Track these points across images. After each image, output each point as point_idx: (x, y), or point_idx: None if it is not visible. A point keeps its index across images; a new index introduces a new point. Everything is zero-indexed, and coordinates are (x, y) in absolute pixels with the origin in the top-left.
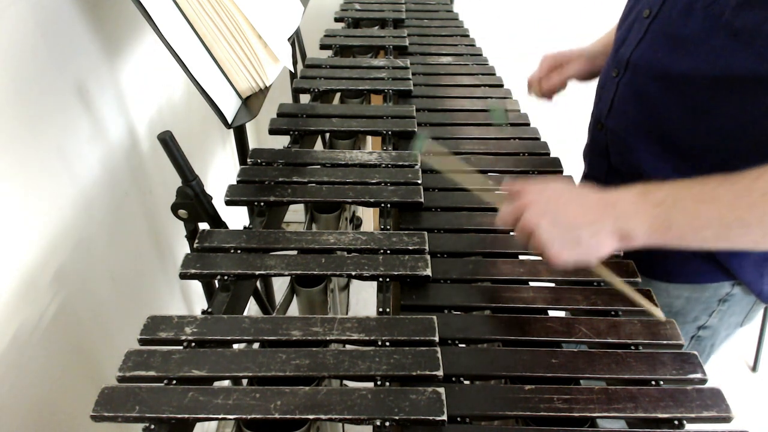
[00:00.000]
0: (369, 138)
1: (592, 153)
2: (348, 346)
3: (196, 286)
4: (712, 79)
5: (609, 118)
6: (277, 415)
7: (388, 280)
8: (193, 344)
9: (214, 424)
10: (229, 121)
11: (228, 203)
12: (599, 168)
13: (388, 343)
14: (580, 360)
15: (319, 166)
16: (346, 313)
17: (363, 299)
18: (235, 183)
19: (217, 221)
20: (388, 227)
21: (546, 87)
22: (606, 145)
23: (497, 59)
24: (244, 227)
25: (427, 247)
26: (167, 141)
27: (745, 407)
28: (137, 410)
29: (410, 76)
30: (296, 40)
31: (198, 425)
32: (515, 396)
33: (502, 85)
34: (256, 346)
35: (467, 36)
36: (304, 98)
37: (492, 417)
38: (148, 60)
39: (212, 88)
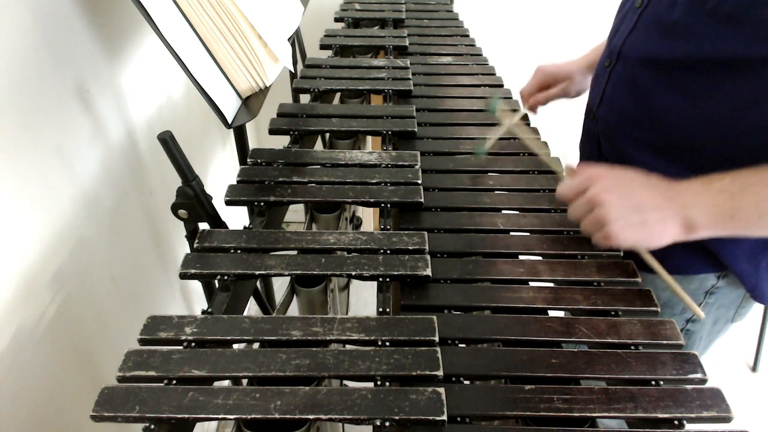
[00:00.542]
0: (369, 138)
1: (584, 142)
2: (348, 346)
3: (196, 286)
4: (702, 65)
5: (600, 107)
6: (277, 415)
7: (388, 280)
8: (193, 344)
9: (214, 424)
10: (229, 121)
11: (228, 203)
12: (590, 157)
13: (388, 343)
14: (580, 360)
15: (319, 166)
16: (346, 313)
17: (363, 299)
18: (235, 183)
19: (217, 221)
20: (388, 227)
21: (531, 102)
22: (597, 135)
23: (497, 59)
24: (244, 227)
25: (427, 247)
26: (167, 141)
27: (745, 407)
28: (137, 410)
29: (410, 76)
30: (296, 40)
31: (198, 425)
32: (515, 396)
33: (502, 85)
34: (256, 346)
35: (467, 36)
36: (304, 98)
37: (492, 417)
38: (148, 60)
39: (212, 88)
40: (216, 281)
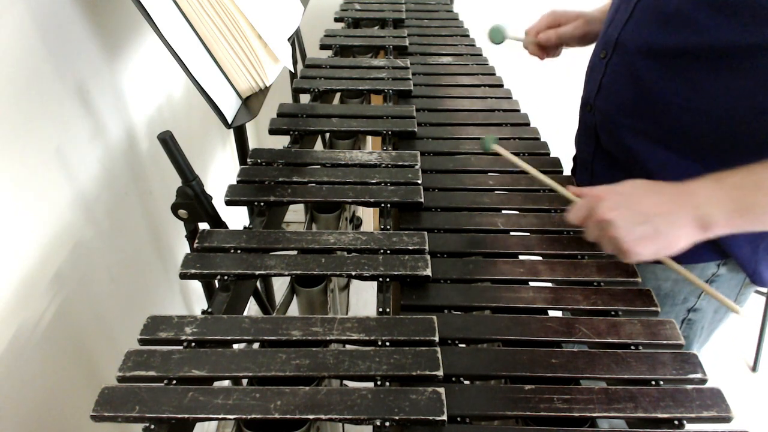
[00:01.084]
0: (369, 138)
1: (581, 135)
2: (348, 346)
3: (196, 286)
4: (699, 53)
5: (597, 98)
6: (277, 415)
7: (388, 280)
8: (193, 344)
9: (214, 424)
10: (229, 121)
11: (228, 203)
12: (587, 149)
13: (388, 343)
14: (580, 360)
15: (319, 166)
16: (346, 313)
17: (363, 299)
18: (235, 183)
19: (217, 221)
20: (388, 227)
21: (541, 39)
22: (594, 126)
23: (497, 59)
24: (244, 227)
25: (427, 247)
26: (167, 141)
27: (745, 407)
28: (137, 410)
29: (410, 76)
30: (296, 40)
31: (198, 425)
32: (515, 396)
33: (501, 85)
34: (256, 346)
35: (467, 36)
36: (304, 98)
37: (492, 417)
38: (148, 60)
39: (212, 88)
40: (216, 281)
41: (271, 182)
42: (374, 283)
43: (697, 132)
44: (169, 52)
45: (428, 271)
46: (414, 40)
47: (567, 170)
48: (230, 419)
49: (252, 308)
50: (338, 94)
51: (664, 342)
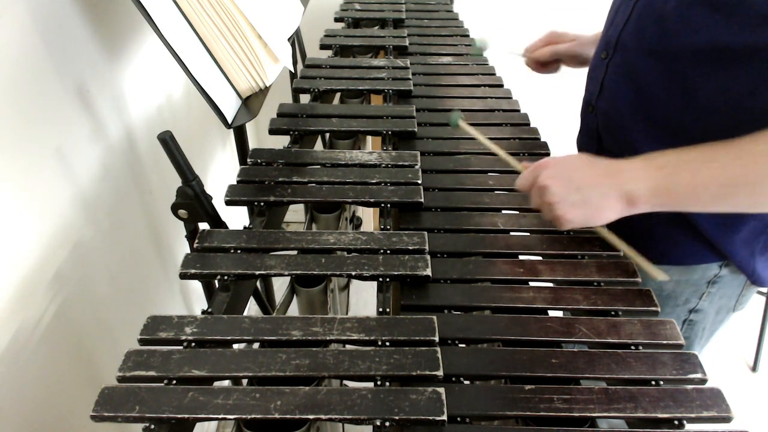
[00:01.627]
0: (369, 138)
1: (582, 136)
2: (348, 346)
3: (196, 286)
4: (698, 54)
5: (599, 99)
6: (277, 415)
7: (388, 280)
8: (193, 344)
9: (214, 424)
10: (229, 121)
11: (228, 203)
12: (589, 150)
13: (388, 343)
14: (580, 360)
15: (319, 166)
16: (346, 313)
17: (363, 299)
18: (235, 183)
19: (217, 221)
20: (388, 227)
21: (536, 55)
22: (596, 127)
23: (497, 59)
24: (244, 227)
25: (427, 247)
26: (167, 141)
27: (745, 407)
28: (137, 410)
29: (410, 76)
30: (296, 40)
31: (198, 425)
32: (515, 396)
33: (501, 85)
34: (256, 346)
35: (467, 36)
36: (304, 98)
37: (492, 417)
38: (148, 60)
39: (212, 88)
40: (216, 281)
41: (271, 182)
42: (374, 283)
43: (698, 132)
44: (169, 52)
45: (428, 271)
46: (414, 40)
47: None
48: (230, 419)
49: (252, 308)
50: (338, 94)
51: (664, 342)
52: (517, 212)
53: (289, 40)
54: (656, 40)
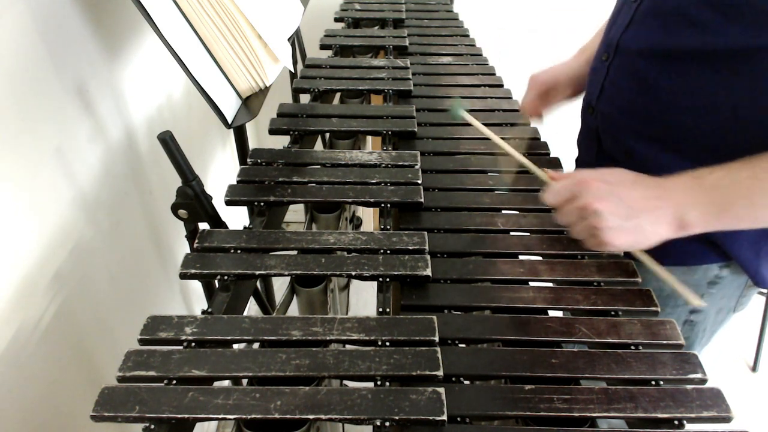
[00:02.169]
0: (369, 138)
1: (582, 137)
2: (348, 346)
3: (196, 286)
4: (700, 55)
5: (599, 101)
6: (277, 415)
7: (388, 280)
8: (193, 344)
9: (214, 424)
10: (229, 121)
11: (228, 203)
12: (589, 152)
13: (388, 343)
14: (580, 360)
15: (319, 166)
16: (346, 313)
17: (363, 299)
18: (235, 183)
19: (217, 221)
20: (388, 227)
21: (535, 113)
22: (596, 129)
23: (497, 59)
24: (244, 227)
25: (427, 247)
26: (167, 141)
27: (745, 407)
28: (137, 410)
29: (410, 76)
30: (296, 40)
31: (198, 425)
32: (515, 396)
33: (501, 85)
34: (256, 346)
35: (467, 36)
36: (304, 98)
37: (492, 417)
38: (148, 60)
39: (212, 88)
40: (216, 281)
41: (271, 182)
42: (374, 283)
43: (699, 134)
44: (169, 52)
45: (428, 271)
46: (414, 40)
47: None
48: (230, 419)
49: (252, 308)
50: (338, 94)
51: (664, 342)
52: (517, 212)
53: (289, 40)
54: (658, 41)
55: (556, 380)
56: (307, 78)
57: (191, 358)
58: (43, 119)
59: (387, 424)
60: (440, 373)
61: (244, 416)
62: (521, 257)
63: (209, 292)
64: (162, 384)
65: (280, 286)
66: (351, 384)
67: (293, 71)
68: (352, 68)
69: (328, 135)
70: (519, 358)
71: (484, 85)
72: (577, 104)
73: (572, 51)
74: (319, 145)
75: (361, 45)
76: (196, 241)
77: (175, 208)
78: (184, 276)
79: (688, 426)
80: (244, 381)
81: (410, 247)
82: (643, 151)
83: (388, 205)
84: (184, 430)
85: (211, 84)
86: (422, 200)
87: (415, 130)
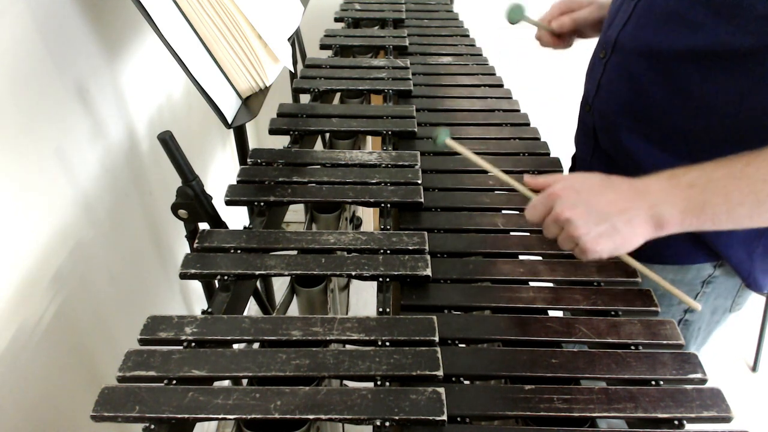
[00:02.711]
0: (369, 138)
1: (579, 135)
2: (348, 346)
3: (196, 286)
4: (698, 55)
5: (596, 99)
6: (277, 415)
7: (388, 280)
8: (193, 344)
9: (214, 424)
10: (229, 121)
11: (228, 203)
12: (586, 149)
13: (388, 343)
14: (580, 360)
15: (319, 166)
16: (346, 313)
17: (363, 299)
18: (235, 183)
19: (217, 221)
20: (388, 227)
21: (555, 26)
22: (593, 127)
23: (497, 59)
24: (244, 227)
25: (427, 247)
26: (167, 141)
27: (745, 407)
28: (137, 410)
29: (410, 76)
30: (296, 40)
31: (198, 425)
32: (515, 396)
33: (501, 85)
34: (256, 346)
35: (467, 36)
36: (304, 98)
37: (492, 417)
38: (148, 60)
39: (212, 88)
40: (216, 281)
41: (271, 182)
42: (374, 283)
43: (693, 133)
44: (169, 52)
45: (428, 271)
46: (414, 40)
47: (567, 171)
48: (230, 419)
49: (252, 308)
50: (338, 94)
51: (664, 342)
52: (517, 212)
53: (289, 40)
54: (654, 40)
55: (556, 380)
56: (307, 78)
57: (191, 358)
58: (44, 119)
59: (387, 424)
60: (440, 373)
61: (244, 416)
62: (521, 257)
63: (209, 292)
64: (162, 384)
65: (280, 286)
66: (351, 384)
67: (293, 71)
68: (352, 68)
69: (328, 135)
70: (519, 358)
71: (484, 85)
72: (576, 103)
73: (572, 51)
74: (319, 145)
75: (361, 45)
76: (196, 241)
77: (175, 208)
78: (184, 276)
79: (688, 426)
80: (244, 381)
81: (410, 247)
82: (637, 149)
83: (388, 205)
84: (184, 430)
85: (211, 84)
86: (422, 200)
87: (415, 130)
